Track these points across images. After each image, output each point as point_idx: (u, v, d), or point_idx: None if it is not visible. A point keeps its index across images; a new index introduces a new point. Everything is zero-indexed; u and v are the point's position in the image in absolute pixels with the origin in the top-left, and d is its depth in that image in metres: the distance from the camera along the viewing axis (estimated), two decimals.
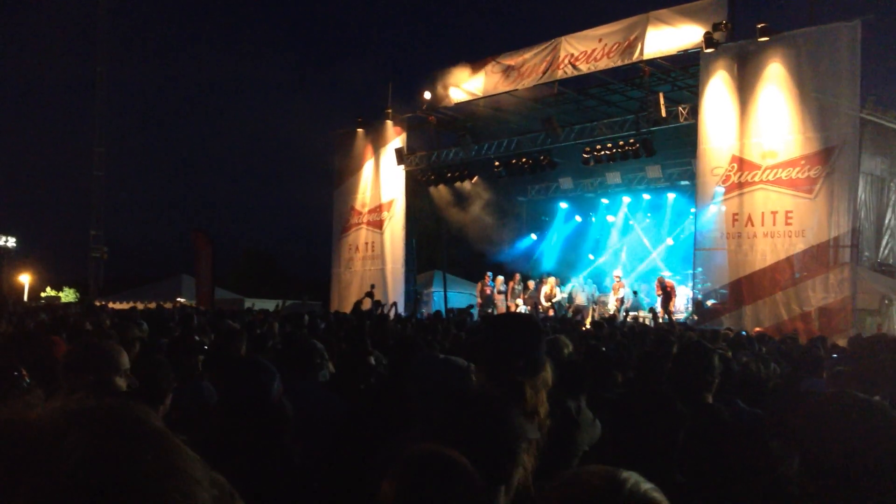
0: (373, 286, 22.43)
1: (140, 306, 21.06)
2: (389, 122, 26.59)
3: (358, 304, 18.52)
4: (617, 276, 23.90)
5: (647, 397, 4.63)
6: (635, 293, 22.85)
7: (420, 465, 1.94)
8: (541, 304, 24.05)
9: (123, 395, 3.55)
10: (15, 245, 47.48)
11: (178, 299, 29.52)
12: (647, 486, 1.37)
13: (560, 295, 24.45)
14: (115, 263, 48.11)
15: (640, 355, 5.89)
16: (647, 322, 19.54)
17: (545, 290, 24.45)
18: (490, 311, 23.78)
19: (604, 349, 7.14)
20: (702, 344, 5.04)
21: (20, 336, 5.03)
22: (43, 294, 45.45)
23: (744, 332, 13.85)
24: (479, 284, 25.86)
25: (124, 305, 26.29)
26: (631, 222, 27.32)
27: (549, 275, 25.57)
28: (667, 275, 22.65)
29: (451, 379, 3.50)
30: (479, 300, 25.44)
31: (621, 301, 22.97)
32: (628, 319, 18.34)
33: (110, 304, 26.56)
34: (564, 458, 3.82)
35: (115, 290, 39.80)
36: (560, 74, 21.75)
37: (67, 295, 48.81)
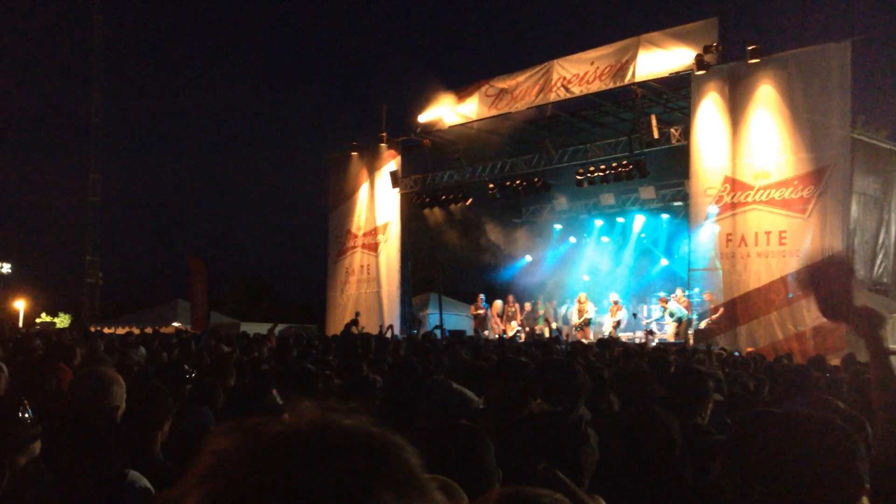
0: (358, 314, 22.46)
1: (136, 331, 21.01)
2: (384, 146, 26.67)
3: (348, 327, 18.60)
4: (614, 300, 23.86)
5: (639, 418, 4.66)
6: (634, 315, 22.88)
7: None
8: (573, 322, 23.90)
9: (118, 422, 3.59)
10: (10, 271, 47.44)
11: (174, 324, 29.44)
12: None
13: (592, 312, 24.05)
14: (111, 289, 48.12)
15: (619, 376, 5.92)
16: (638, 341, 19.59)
17: (574, 308, 24.38)
18: (485, 332, 23.80)
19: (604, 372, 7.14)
20: (697, 369, 5.10)
21: (27, 363, 5.06)
22: (38, 320, 45.30)
23: (737, 353, 13.89)
24: (472, 307, 25.91)
25: (120, 330, 26.22)
26: (625, 243, 27.35)
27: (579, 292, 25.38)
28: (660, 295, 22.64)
29: (460, 409, 3.55)
30: (473, 322, 25.46)
31: (618, 324, 22.97)
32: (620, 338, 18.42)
33: (105, 330, 26.49)
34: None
35: (111, 315, 39.73)
36: (553, 97, 21.90)
37: (63, 321, 48.63)
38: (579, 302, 23.82)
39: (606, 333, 22.14)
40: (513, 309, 25.62)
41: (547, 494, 1.41)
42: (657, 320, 22.07)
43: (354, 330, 18.89)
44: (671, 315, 21.02)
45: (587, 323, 23.08)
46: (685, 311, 20.69)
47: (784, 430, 1.89)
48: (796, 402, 6.14)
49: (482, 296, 25.65)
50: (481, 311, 25.35)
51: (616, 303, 23.68)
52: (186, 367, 6.33)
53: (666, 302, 21.43)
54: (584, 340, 18.97)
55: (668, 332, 21.20)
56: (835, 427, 1.89)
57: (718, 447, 3.81)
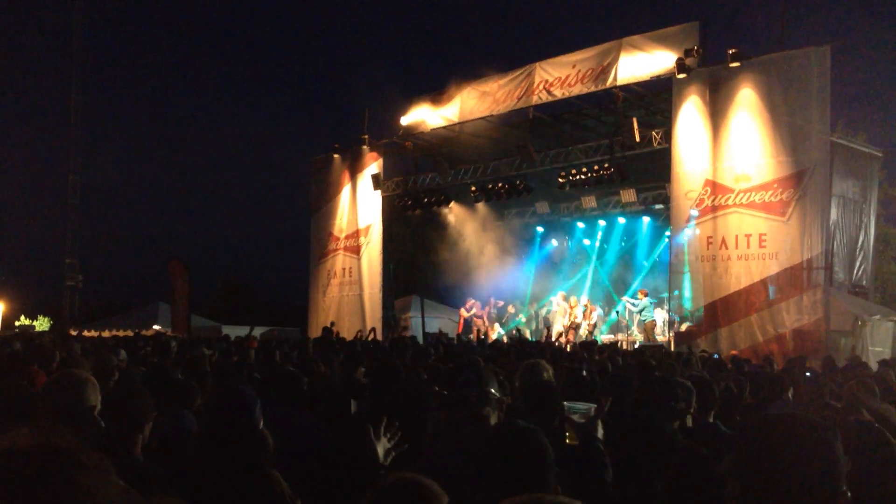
0: (332, 323, 22.44)
1: (119, 334, 20.89)
2: (366, 148, 26.63)
3: (328, 331, 18.59)
4: (588, 301, 23.96)
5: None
6: (617, 312, 23.03)
7: (394, 493, 1.94)
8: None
9: (97, 425, 3.54)
10: None
11: (155, 326, 29.25)
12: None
13: (580, 316, 23.94)
14: (91, 292, 47.74)
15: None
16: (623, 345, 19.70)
17: (560, 310, 24.39)
18: (470, 335, 23.82)
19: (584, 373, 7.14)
20: (664, 379, 5.15)
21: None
22: (17, 322, 44.83)
23: (716, 356, 13.95)
24: (462, 310, 26.00)
25: (102, 333, 26.04)
26: (606, 246, 27.44)
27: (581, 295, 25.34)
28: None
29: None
30: (459, 325, 25.49)
31: (594, 325, 23.06)
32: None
33: (85, 333, 26.29)
34: None
35: (90, 318, 39.39)
36: (535, 100, 21.93)
37: (42, 324, 48.18)
38: (570, 306, 23.90)
39: (584, 335, 22.29)
40: (494, 311, 25.67)
41: (565, 502, 1.41)
42: (640, 311, 22.12)
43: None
44: (641, 311, 21.24)
45: (575, 326, 23.11)
46: (652, 314, 20.99)
47: (777, 431, 1.91)
48: (778, 404, 6.18)
49: (471, 299, 25.70)
50: (468, 314, 25.44)
51: (589, 303, 23.83)
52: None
53: (646, 295, 21.63)
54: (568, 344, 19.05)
55: (634, 332, 21.52)
56: (818, 429, 1.91)
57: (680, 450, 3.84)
